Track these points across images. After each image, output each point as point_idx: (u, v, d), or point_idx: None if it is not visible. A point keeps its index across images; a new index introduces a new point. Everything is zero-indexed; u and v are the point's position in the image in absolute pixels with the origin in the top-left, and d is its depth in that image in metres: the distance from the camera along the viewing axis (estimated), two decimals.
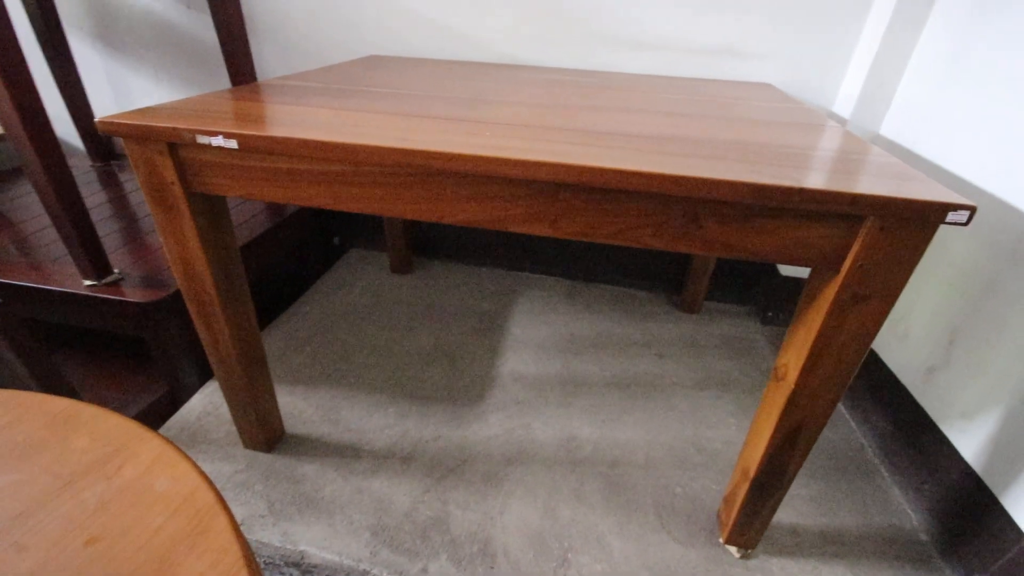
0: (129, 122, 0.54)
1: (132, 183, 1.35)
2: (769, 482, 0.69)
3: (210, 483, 0.41)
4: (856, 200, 0.46)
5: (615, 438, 0.96)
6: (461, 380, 1.07)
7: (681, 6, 1.08)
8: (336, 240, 1.57)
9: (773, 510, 0.72)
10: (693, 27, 1.10)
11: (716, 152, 0.55)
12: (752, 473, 0.69)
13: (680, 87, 0.99)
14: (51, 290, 0.87)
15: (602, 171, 0.48)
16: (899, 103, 0.99)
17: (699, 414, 1.02)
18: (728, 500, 0.78)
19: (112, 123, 0.54)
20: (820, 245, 0.51)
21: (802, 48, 1.08)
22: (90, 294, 0.87)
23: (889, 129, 1.01)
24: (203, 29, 1.28)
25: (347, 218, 1.51)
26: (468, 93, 0.80)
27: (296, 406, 0.98)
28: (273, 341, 1.15)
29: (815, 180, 0.48)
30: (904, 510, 0.85)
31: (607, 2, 1.10)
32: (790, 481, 0.69)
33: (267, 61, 1.29)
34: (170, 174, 0.58)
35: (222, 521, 0.39)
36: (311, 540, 0.75)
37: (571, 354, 1.16)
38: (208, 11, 1.19)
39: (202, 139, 0.53)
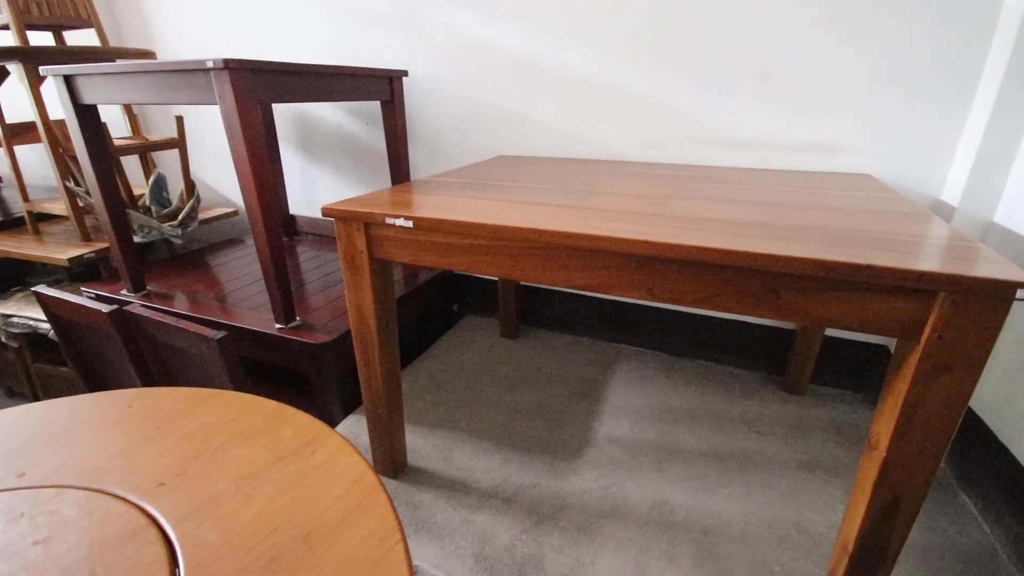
0: (342, 208, 0.78)
1: (305, 255, 1.70)
2: (870, 560, 0.68)
3: (373, 471, 0.55)
4: (924, 276, 0.53)
5: (709, 508, 0.97)
6: (560, 436, 1.16)
7: (779, 110, 1.20)
8: (455, 307, 1.79)
9: None
10: (790, 127, 1.21)
11: (797, 235, 0.65)
12: (851, 548, 0.69)
13: (773, 179, 1.09)
14: (254, 330, 1.15)
15: (687, 248, 0.60)
16: (1012, 190, 0.99)
17: (802, 496, 1.00)
18: None
19: (332, 208, 0.78)
20: (896, 316, 0.57)
21: (903, 139, 1.13)
22: (279, 335, 1.13)
23: (1003, 216, 1.00)
24: (374, 139, 1.64)
25: (464, 288, 1.73)
26: (582, 185, 0.97)
27: (417, 443, 1.13)
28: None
29: (887, 259, 0.55)
30: None
31: (707, 107, 1.26)
32: (893, 559, 0.68)
33: (419, 162, 1.61)
34: (361, 244, 0.80)
35: (382, 497, 0.53)
36: (424, 557, 0.86)
37: (667, 423, 1.21)
38: (381, 126, 1.55)
39: (389, 220, 0.74)
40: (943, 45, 1.05)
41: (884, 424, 0.63)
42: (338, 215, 0.78)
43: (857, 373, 1.32)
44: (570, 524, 0.93)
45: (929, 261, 0.55)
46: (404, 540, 0.48)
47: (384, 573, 0.44)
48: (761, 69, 1.18)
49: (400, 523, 0.50)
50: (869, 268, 0.54)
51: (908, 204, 0.85)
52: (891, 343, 1.28)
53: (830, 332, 1.32)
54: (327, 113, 1.69)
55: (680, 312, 1.47)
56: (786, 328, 1.37)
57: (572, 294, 1.59)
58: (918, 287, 0.53)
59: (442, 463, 1.08)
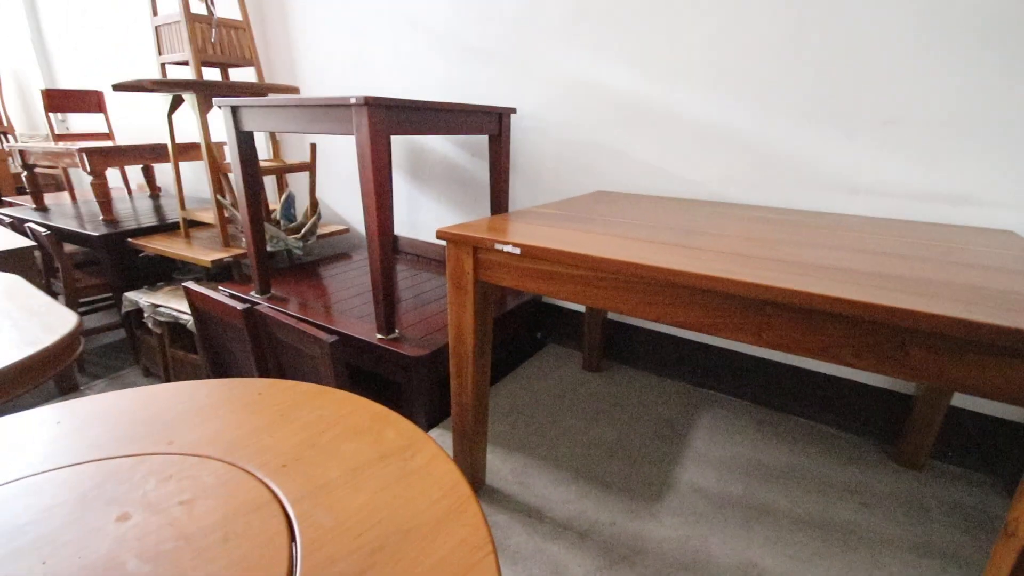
0: (455, 232, 0.84)
1: (403, 273, 1.82)
2: None
3: (468, 481, 0.58)
4: None
5: None
6: (639, 476, 1.13)
7: (907, 155, 1.12)
8: (539, 335, 1.81)
9: None
10: (919, 174, 1.12)
11: (928, 290, 0.60)
12: None
13: (897, 229, 1.01)
14: (358, 338, 1.25)
15: (805, 294, 0.58)
16: None
17: None
18: None
19: (445, 232, 0.85)
20: None
21: None
22: (380, 345, 1.22)
23: None
24: (478, 170, 1.74)
25: (550, 317, 1.75)
26: (682, 224, 0.97)
27: (495, 464, 1.15)
28: None
29: None
30: None
31: (823, 150, 1.20)
32: None
33: (518, 193, 1.68)
34: (469, 267, 0.85)
35: (474, 507, 0.55)
36: None
37: (756, 480, 1.13)
38: (486, 158, 1.64)
39: (499, 246, 0.79)
40: None
41: None
42: (450, 238, 0.85)
43: (986, 452, 1.16)
44: (647, 570, 0.90)
45: None
46: (495, 552, 0.50)
47: None
48: (889, 112, 1.12)
49: (491, 536, 0.52)
50: (1018, 332, 0.49)
51: None
52: None
53: (957, 402, 1.18)
54: (436, 144, 1.83)
55: (776, 362, 1.38)
56: (904, 392, 1.24)
57: (658, 332, 1.55)
58: None
59: (519, 487, 1.09)
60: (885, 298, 0.56)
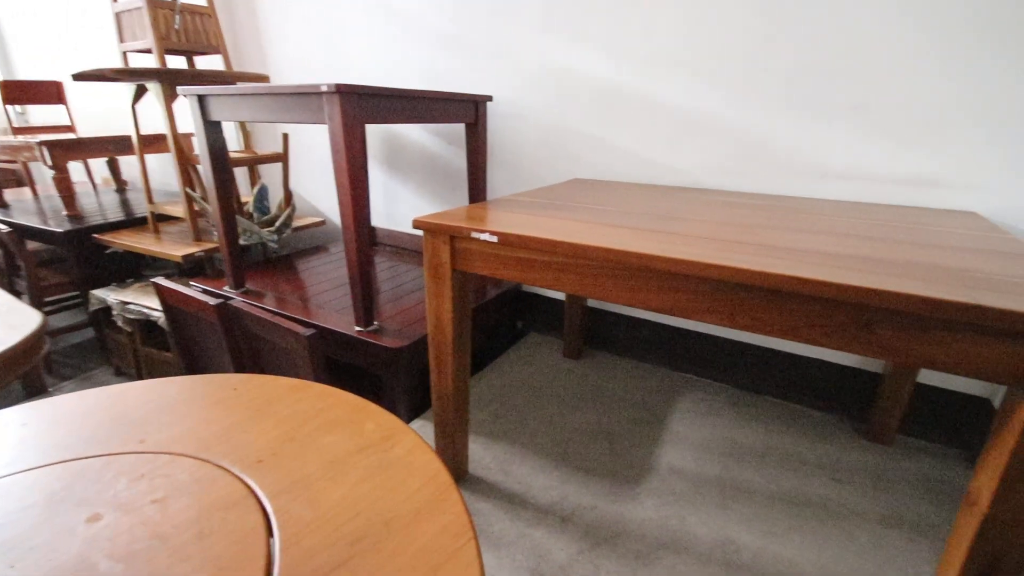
0: (432, 221, 0.83)
1: (382, 265, 1.80)
2: None
3: (448, 470, 0.58)
4: None
5: (779, 553, 0.92)
6: (620, 461, 1.14)
7: (877, 141, 1.15)
8: (519, 324, 1.82)
9: None
10: (888, 158, 1.15)
11: (894, 270, 0.62)
12: None
13: (867, 212, 1.04)
14: (336, 331, 1.23)
15: (775, 276, 0.59)
16: None
17: (884, 552, 0.93)
18: None
19: (421, 221, 0.84)
20: (1005, 362, 0.53)
21: (1016, 176, 1.04)
22: (358, 337, 1.20)
23: None
24: (455, 159, 1.73)
25: (530, 306, 1.76)
26: (660, 211, 0.98)
27: (478, 453, 1.16)
28: None
29: (998, 300, 0.52)
30: None
31: (796, 136, 1.22)
32: None
33: (496, 182, 1.67)
34: (446, 256, 0.84)
35: (455, 495, 0.55)
36: None
37: (733, 459, 1.16)
38: (463, 146, 1.63)
39: (475, 234, 0.79)
40: None
41: (986, 478, 0.58)
42: (427, 228, 0.84)
43: (951, 426, 1.21)
44: (628, 551, 0.91)
45: None
46: (476, 539, 0.50)
47: (458, 566, 0.47)
48: (859, 97, 1.14)
49: (472, 522, 0.52)
50: (977, 308, 0.51)
51: (1020, 245, 0.79)
52: (993, 396, 1.16)
53: (923, 379, 1.22)
54: (413, 133, 1.80)
55: (750, 344, 1.41)
56: (872, 371, 1.28)
57: (638, 318, 1.57)
58: None
59: (501, 475, 1.09)
60: (852, 278, 0.57)
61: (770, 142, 1.25)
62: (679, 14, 1.27)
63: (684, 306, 0.67)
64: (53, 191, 2.61)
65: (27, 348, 0.83)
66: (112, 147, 2.05)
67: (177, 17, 1.73)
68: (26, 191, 2.63)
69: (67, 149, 1.92)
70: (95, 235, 1.83)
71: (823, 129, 1.19)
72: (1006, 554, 0.57)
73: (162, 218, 1.96)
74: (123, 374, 2.00)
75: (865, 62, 1.11)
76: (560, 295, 1.68)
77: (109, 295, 1.71)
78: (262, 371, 1.23)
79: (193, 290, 1.25)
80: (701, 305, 0.66)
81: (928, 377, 1.22)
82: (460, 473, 1.07)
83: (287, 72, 2.05)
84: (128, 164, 2.78)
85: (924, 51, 1.06)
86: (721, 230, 0.81)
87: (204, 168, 1.36)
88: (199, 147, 1.34)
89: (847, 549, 0.93)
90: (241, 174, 2.23)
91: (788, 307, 0.61)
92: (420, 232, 1.73)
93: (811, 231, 0.83)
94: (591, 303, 1.63)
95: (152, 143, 2.01)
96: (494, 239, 0.77)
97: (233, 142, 1.98)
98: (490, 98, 1.47)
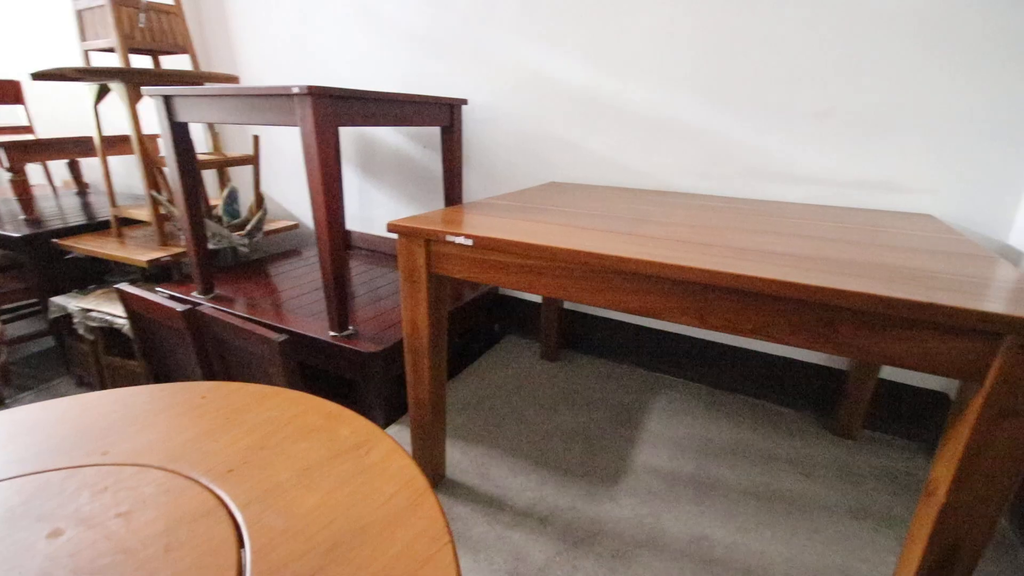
0: (406, 224, 0.83)
1: (357, 268, 1.78)
2: None
3: (424, 475, 0.58)
4: (989, 318, 0.52)
5: (750, 547, 0.94)
6: (597, 461, 1.16)
7: (839, 146, 1.19)
8: (496, 327, 1.82)
9: None
10: (850, 163, 1.19)
11: (855, 271, 0.64)
12: None
13: (830, 215, 1.07)
14: (310, 336, 1.21)
15: (742, 277, 0.61)
16: None
17: (851, 543, 0.96)
18: None
19: (396, 225, 0.83)
20: (959, 358, 0.55)
21: (969, 180, 1.10)
22: (333, 342, 1.19)
23: None
24: (430, 162, 1.72)
25: (507, 309, 1.76)
26: (632, 214, 0.99)
27: (455, 457, 1.15)
28: None
29: (950, 298, 0.55)
30: None
31: (763, 142, 1.26)
32: None
33: (472, 185, 1.67)
34: (421, 260, 0.84)
35: (431, 499, 0.55)
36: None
37: (707, 457, 1.18)
38: (438, 150, 1.62)
39: (450, 238, 0.78)
40: (1016, 85, 1.02)
41: (943, 469, 0.60)
42: (402, 231, 0.83)
43: (913, 420, 1.26)
44: (605, 550, 0.92)
45: (995, 303, 0.54)
46: (453, 543, 0.50)
47: (434, 571, 0.46)
48: (822, 105, 1.18)
49: (449, 527, 0.52)
50: (932, 306, 0.54)
51: (972, 246, 0.83)
52: (951, 390, 1.22)
53: (885, 375, 1.27)
54: (388, 136, 1.79)
55: (724, 344, 1.44)
56: (837, 368, 1.32)
57: (614, 320, 1.59)
58: (983, 329, 0.52)
59: (479, 478, 1.09)
60: (816, 279, 0.60)
61: (739, 147, 1.29)
62: (652, 23, 1.29)
63: (657, 307, 0.69)
64: (10, 194, 2.50)
65: None
66: (73, 149, 1.97)
67: (142, 15, 1.68)
68: None
69: (24, 150, 1.84)
70: (55, 239, 1.76)
71: (789, 135, 1.23)
72: (964, 541, 0.60)
73: (126, 222, 1.90)
74: (85, 384, 1.92)
75: (828, 72, 1.16)
76: (537, 298, 1.69)
77: (70, 302, 1.65)
78: (232, 378, 1.20)
79: (159, 296, 1.21)
80: (673, 306, 0.68)
81: (890, 373, 1.27)
82: (438, 477, 1.06)
83: (258, 73, 2.01)
84: (90, 166, 2.68)
85: (882, 62, 1.11)
86: (692, 232, 0.83)
87: (171, 170, 1.32)
88: (165, 149, 1.30)
89: (815, 541, 0.96)
90: (210, 176, 2.18)
91: (756, 307, 0.63)
92: (395, 235, 1.72)
93: (777, 233, 0.86)
94: (568, 305, 1.64)
95: (115, 145, 1.94)
96: (470, 242, 0.77)
97: (201, 144, 1.93)
98: (465, 101, 1.47)
